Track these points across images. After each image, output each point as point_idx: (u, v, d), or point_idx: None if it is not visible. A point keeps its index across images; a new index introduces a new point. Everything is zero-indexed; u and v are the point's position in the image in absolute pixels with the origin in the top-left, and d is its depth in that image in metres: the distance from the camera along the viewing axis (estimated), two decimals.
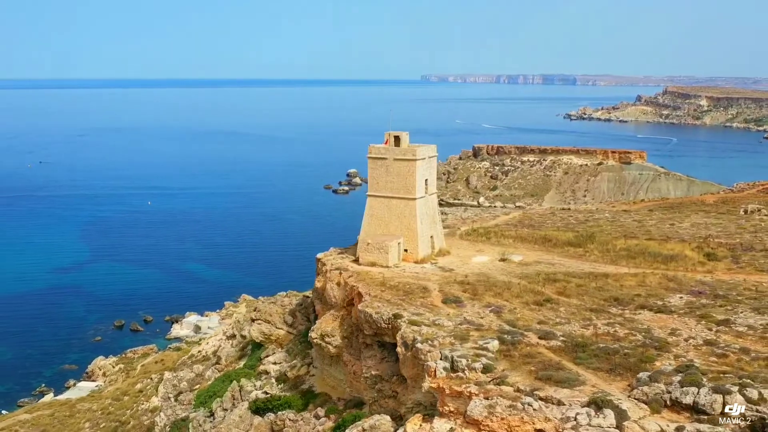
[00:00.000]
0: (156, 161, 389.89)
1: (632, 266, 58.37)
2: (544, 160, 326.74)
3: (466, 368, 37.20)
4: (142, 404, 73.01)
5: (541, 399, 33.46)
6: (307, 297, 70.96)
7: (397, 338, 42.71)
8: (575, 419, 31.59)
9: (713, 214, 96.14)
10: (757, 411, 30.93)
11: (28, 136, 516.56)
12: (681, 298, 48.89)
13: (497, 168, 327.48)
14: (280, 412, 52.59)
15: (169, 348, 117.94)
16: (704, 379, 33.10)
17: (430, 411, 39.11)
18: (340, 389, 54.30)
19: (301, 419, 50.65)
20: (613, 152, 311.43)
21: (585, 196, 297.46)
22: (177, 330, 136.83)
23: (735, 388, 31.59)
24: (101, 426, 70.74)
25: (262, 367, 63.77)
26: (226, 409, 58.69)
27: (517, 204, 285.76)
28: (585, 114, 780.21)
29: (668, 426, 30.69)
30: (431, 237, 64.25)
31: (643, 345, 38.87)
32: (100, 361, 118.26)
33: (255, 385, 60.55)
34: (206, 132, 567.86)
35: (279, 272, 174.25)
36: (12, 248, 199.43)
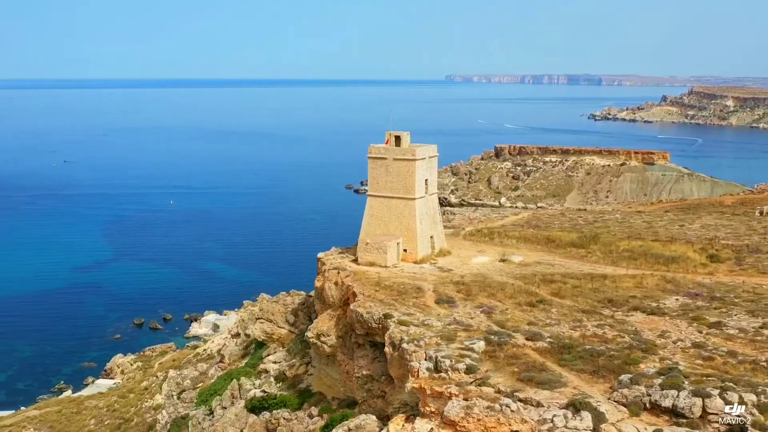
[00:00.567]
0: (178, 160, 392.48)
1: (633, 267, 57.76)
2: (566, 160, 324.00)
3: (449, 369, 37.13)
4: (146, 402, 73.83)
5: (520, 400, 33.30)
6: (310, 296, 71.16)
7: (386, 338, 42.76)
8: (552, 421, 31.40)
9: (727, 216, 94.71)
10: (737, 415, 30.63)
11: (51, 136, 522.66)
12: (677, 300, 48.30)
13: (519, 168, 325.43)
14: (275, 411, 52.91)
15: (187, 346, 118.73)
16: (686, 382, 32.73)
17: (415, 411, 39.10)
18: (336, 389, 54.48)
19: (295, 418, 50.91)
20: (636, 153, 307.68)
21: (607, 197, 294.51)
22: (195, 328, 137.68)
23: (716, 392, 31.20)
24: (105, 423, 71.68)
25: (262, 366, 64.18)
26: (225, 408, 59.21)
27: (539, 205, 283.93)
28: (609, 114, 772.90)
29: (646, 429, 30.38)
30: (431, 237, 64.15)
31: (629, 347, 38.48)
32: (118, 359, 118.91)
33: (254, 384, 60.95)
34: (227, 132, 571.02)
35: (298, 271, 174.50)
36: (35, 246, 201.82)
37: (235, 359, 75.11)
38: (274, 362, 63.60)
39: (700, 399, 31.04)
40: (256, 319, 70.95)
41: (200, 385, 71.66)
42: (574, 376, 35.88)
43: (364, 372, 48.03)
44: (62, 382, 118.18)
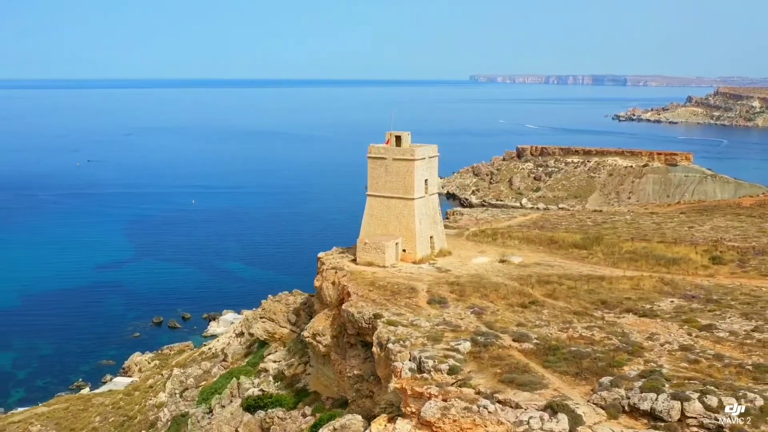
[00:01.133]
0: (200, 160, 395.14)
1: (633, 269, 57.14)
2: (588, 161, 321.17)
3: (432, 369, 37.01)
4: (150, 399, 74.52)
5: (499, 402, 33.10)
6: (312, 296, 71.44)
7: (373, 338, 42.77)
8: (528, 423, 31.22)
9: (742, 218, 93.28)
10: (715, 419, 30.19)
11: (76, 135, 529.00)
12: (672, 302, 47.66)
13: (541, 169, 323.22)
14: (270, 410, 53.13)
15: (204, 345, 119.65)
16: (666, 385, 32.32)
17: (400, 412, 39.08)
18: (332, 389, 54.60)
19: (289, 417, 51.08)
20: (659, 154, 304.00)
21: (629, 198, 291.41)
22: (214, 327, 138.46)
23: (695, 395, 30.77)
24: (110, 420, 72.44)
25: (262, 365, 64.43)
26: (223, 406, 59.61)
27: (560, 206, 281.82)
28: (634, 115, 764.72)
29: None
30: (431, 237, 63.98)
31: (616, 349, 38.06)
32: (136, 357, 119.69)
33: (253, 383, 61.24)
34: (248, 132, 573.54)
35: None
36: (57, 245, 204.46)
37: (237, 358, 75.61)
38: (274, 361, 63.87)
39: (679, 402, 30.64)
40: (259, 318, 71.35)
41: (203, 383, 72.16)
42: (556, 377, 35.60)
43: (355, 372, 48.06)
44: (80, 379, 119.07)
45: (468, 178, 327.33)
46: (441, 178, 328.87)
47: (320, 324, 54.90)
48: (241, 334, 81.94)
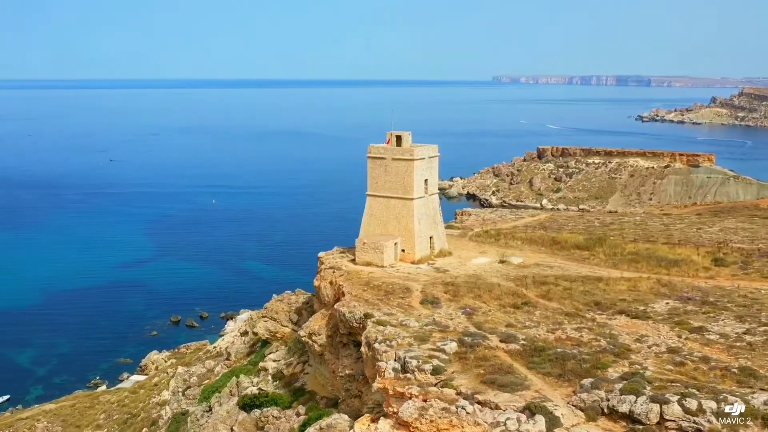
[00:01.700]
0: (223, 160, 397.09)
1: (633, 270, 56.54)
2: (609, 162, 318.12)
3: (415, 369, 36.93)
4: (154, 397, 75.33)
5: (478, 403, 32.97)
6: (314, 296, 71.62)
7: (362, 338, 42.82)
8: (504, 424, 31.10)
9: (755, 219, 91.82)
10: (694, 422, 29.83)
11: (103, 135, 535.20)
12: (667, 303, 47.07)
13: (561, 170, 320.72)
14: (265, 409, 53.41)
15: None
16: (647, 388, 32.00)
17: (384, 412, 39.10)
18: (327, 388, 54.73)
19: (284, 416, 51.31)
20: (681, 155, 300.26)
21: (650, 199, 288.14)
22: (230, 326, 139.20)
23: (675, 398, 30.45)
24: (114, 417, 73.25)
25: (262, 364, 64.69)
26: (221, 405, 60.01)
27: (581, 207, 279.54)
28: (657, 116, 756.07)
29: None
30: (431, 238, 63.84)
31: (602, 351, 37.72)
32: (153, 356, 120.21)
33: (252, 382, 61.54)
34: (273, 132, 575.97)
35: None
36: (79, 244, 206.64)
37: (240, 357, 76.07)
38: (274, 360, 64.14)
39: (658, 405, 30.36)
40: (262, 317, 71.77)
41: (206, 382, 72.66)
42: (539, 379, 35.38)
43: (347, 371, 48.13)
44: (98, 377, 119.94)
45: (488, 178, 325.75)
46: (462, 178, 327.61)
47: (317, 323, 55.09)
48: (245, 333, 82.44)
